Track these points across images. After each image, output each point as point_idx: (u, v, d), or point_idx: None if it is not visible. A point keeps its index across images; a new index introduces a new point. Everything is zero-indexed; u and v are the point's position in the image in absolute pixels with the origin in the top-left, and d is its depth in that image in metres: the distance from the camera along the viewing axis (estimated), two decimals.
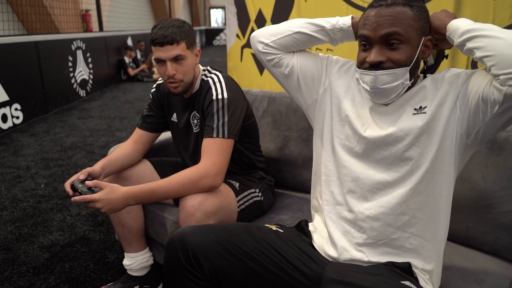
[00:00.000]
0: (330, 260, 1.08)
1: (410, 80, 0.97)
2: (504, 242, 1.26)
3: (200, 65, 1.57)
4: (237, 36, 2.72)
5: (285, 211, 1.63)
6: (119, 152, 1.60)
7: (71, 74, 5.96)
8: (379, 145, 1.04)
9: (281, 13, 2.41)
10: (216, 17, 24.24)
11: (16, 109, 4.51)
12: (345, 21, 1.11)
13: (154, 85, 1.70)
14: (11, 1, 5.83)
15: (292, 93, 1.23)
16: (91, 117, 5.10)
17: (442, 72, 1.03)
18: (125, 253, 1.66)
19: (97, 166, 1.46)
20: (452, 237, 1.37)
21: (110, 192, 1.25)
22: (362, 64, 0.99)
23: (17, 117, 4.54)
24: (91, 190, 1.27)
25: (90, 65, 6.68)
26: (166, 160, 1.78)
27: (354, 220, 1.05)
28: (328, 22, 1.13)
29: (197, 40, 16.67)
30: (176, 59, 1.41)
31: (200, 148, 1.46)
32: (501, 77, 0.83)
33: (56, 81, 5.48)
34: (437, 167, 0.99)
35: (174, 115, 1.63)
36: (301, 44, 1.17)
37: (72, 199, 1.25)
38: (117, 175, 1.58)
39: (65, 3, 7.10)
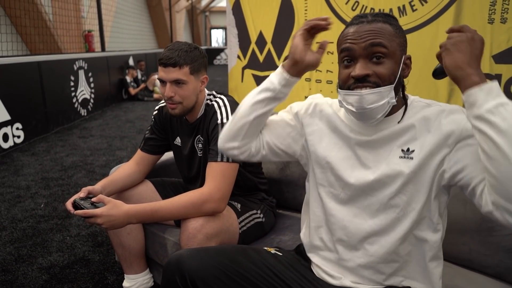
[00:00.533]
0: (329, 284, 1.07)
1: (395, 98, 0.92)
2: (507, 265, 1.25)
3: (206, 90, 1.58)
4: (238, 57, 2.76)
5: (286, 231, 1.63)
6: (121, 172, 1.60)
7: (73, 94, 6.01)
8: (365, 190, 0.99)
9: (282, 35, 2.45)
10: (216, 37, 24.58)
11: (17, 129, 4.53)
12: (279, 74, 1.03)
13: (156, 108, 1.71)
14: (15, 23, 5.92)
15: (282, 159, 1.18)
16: (91, 136, 5.12)
17: (437, 113, 0.94)
18: (125, 275, 1.64)
19: (98, 185, 1.47)
20: (455, 260, 1.37)
21: (112, 208, 1.26)
22: (345, 82, 0.94)
23: (18, 137, 4.55)
24: (93, 205, 1.28)
25: (92, 85, 6.73)
26: (167, 180, 1.78)
27: (346, 266, 1.03)
28: (268, 88, 1.04)
29: None
30: (177, 82, 1.42)
31: (203, 172, 1.46)
32: (495, 201, 0.78)
33: (58, 100, 5.52)
34: (424, 215, 0.97)
35: (178, 139, 1.64)
36: (262, 123, 1.10)
37: (75, 212, 1.26)
38: (118, 195, 1.59)
39: (69, 24, 7.21)
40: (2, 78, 4.34)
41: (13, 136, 4.46)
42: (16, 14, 5.77)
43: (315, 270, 1.10)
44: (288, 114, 1.15)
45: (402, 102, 0.98)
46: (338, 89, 0.97)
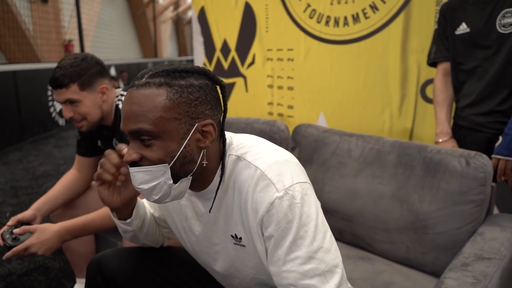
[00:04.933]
0: None
1: (175, 181, 0.77)
2: (442, 262, 1.28)
3: (118, 90, 1.52)
4: (204, 64, 2.79)
5: None
6: (62, 185, 1.55)
7: (50, 103, 5.98)
8: (228, 275, 0.96)
9: (244, 43, 2.49)
10: None
11: None
12: (118, 223, 0.99)
13: None
14: None
15: None
16: (67, 145, 5.08)
17: (260, 202, 0.76)
18: (76, 278, 1.64)
19: (30, 210, 1.41)
20: (395, 258, 1.41)
21: (41, 233, 1.21)
22: None
23: None
24: (17, 239, 1.22)
25: None
26: None
27: None
28: (126, 231, 1.00)
29: None
30: (69, 102, 1.36)
31: None
32: None
33: (34, 109, 5.48)
34: None
35: (99, 142, 1.62)
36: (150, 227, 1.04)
37: (4, 257, 1.20)
38: (64, 206, 1.55)
39: (49, 33, 7.21)
40: None
41: None
42: None
43: None
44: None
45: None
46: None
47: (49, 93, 5.92)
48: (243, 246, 0.85)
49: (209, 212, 0.86)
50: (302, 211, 0.74)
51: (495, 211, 1.62)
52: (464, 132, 1.57)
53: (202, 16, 2.69)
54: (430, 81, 1.85)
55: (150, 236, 1.04)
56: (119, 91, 1.52)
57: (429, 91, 1.88)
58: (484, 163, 1.25)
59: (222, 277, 1.00)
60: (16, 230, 1.24)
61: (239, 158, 0.82)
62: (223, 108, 0.83)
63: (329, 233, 0.77)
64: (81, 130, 1.42)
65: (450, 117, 1.64)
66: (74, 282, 1.96)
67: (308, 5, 2.17)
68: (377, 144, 1.48)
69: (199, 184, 0.84)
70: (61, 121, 6.34)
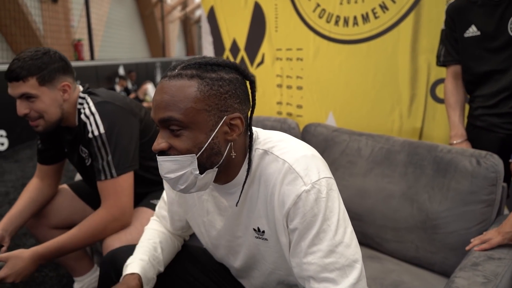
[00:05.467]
0: None
1: (201, 172, 0.79)
2: (451, 262, 1.28)
3: (80, 87, 1.39)
4: None
5: None
6: (25, 199, 1.47)
7: None
8: (246, 270, 0.99)
9: (254, 42, 2.50)
10: None
11: (1, 136, 4.54)
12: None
13: None
14: (4, 31, 5.96)
15: None
16: None
17: (287, 194, 0.78)
18: (73, 277, 1.65)
19: None
20: (404, 257, 1.41)
21: (14, 263, 1.17)
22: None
23: (2, 144, 4.56)
24: None
25: None
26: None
27: None
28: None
29: None
30: (26, 97, 1.24)
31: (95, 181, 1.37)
32: None
33: None
34: None
35: (66, 148, 1.51)
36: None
37: None
38: (35, 216, 1.51)
39: (58, 33, 7.27)
40: None
41: None
42: (6, 23, 5.81)
43: None
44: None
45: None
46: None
47: None
48: (265, 239, 0.86)
49: (236, 205, 0.87)
50: (326, 205, 0.76)
51: (505, 211, 1.61)
52: (478, 132, 1.56)
53: (211, 15, 2.70)
54: (440, 81, 1.84)
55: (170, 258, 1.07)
56: (80, 93, 1.38)
57: (439, 91, 1.87)
58: (495, 163, 1.24)
59: (240, 273, 1.01)
60: None
61: (266, 152, 0.83)
62: (251, 103, 0.84)
63: (350, 229, 0.79)
64: (36, 130, 1.29)
65: (464, 119, 1.63)
66: None
67: (318, 5, 2.17)
68: (387, 144, 1.48)
69: (224, 176, 0.85)
70: None
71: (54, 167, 1.53)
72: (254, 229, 0.87)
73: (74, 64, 6.65)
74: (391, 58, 1.98)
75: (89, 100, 1.34)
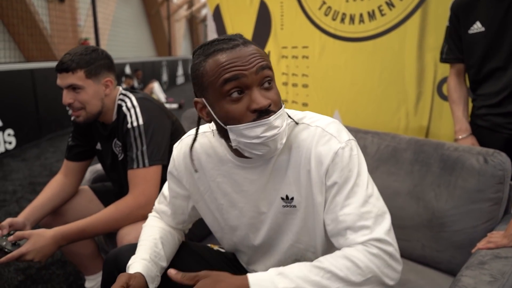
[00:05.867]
0: None
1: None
2: (458, 261, 1.27)
3: (120, 88, 1.50)
4: None
5: None
6: (47, 193, 1.51)
7: None
8: (265, 248, 1.00)
9: (259, 40, 2.50)
10: None
11: (9, 135, 4.58)
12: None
13: None
14: (11, 31, 6.02)
15: None
16: None
17: (324, 153, 0.83)
18: (85, 276, 1.66)
19: (21, 217, 1.39)
20: (410, 256, 1.40)
21: (37, 240, 1.18)
22: (242, 119, 0.79)
23: (10, 143, 4.60)
24: (16, 244, 1.19)
25: None
26: (108, 185, 1.73)
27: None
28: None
29: None
30: (72, 87, 1.34)
31: (124, 175, 1.42)
32: None
33: (51, 107, 5.56)
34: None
35: (98, 144, 1.58)
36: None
37: None
38: (52, 214, 1.53)
39: (65, 32, 7.33)
40: None
41: (5, 142, 4.51)
42: (14, 22, 5.87)
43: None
44: (171, 192, 1.08)
45: None
46: (229, 128, 0.80)
47: None
48: (294, 206, 0.89)
49: (269, 174, 0.89)
50: (359, 162, 0.85)
51: None
52: (481, 132, 1.54)
53: (217, 14, 2.70)
54: (447, 79, 1.83)
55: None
56: (122, 91, 1.49)
57: (445, 89, 1.86)
58: (502, 160, 1.23)
59: (256, 255, 1.01)
60: (10, 238, 1.20)
61: (296, 123, 0.89)
62: None
63: (375, 186, 0.87)
64: (77, 121, 1.39)
65: (468, 114, 1.62)
66: None
67: (324, 2, 2.16)
68: (393, 141, 1.47)
69: None
70: None
71: (80, 165, 1.59)
72: (282, 198, 0.90)
73: None
74: (397, 56, 1.97)
75: (131, 95, 1.45)
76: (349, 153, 0.83)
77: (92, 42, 7.79)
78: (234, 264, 1.11)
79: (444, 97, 1.87)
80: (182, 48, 17.00)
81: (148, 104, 1.43)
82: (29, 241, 1.18)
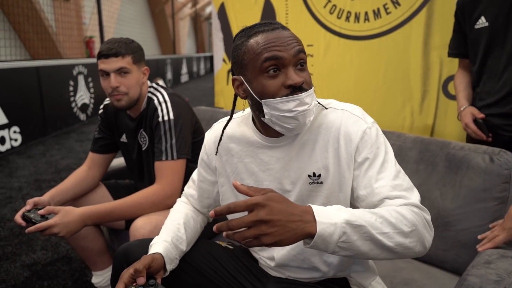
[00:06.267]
0: (273, 276, 1.09)
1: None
2: (463, 260, 1.27)
3: (148, 82, 1.57)
4: (224, 60, 2.81)
5: None
6: (72, 180, 1.57)
7: (72, 98, 6.09)
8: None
9: None
10: None
11: (15, 132, 4.60)
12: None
13: (102, 106, 1.69)
14: (17, 28, 6.04)
15: None
16: (88, 140, 5.18)
17: (353, 132, 0.90)
18: (92, 272, 1.67)
19: (46, 196, 1.44)
20: None
21: (65, 215, 1.24)
22: (276, 94, 0.86)
23: (16, 140, 4.62)
24: (44, 217, 1.24)
25: (92, 90, 6.81)
26: (121, 183, 1.78)
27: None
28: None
29: (202, 66, 17.00)
30: (120, 71, 1.42)
31: (149, 166, 1.49)
32: None
33: (56, 105, 5.59)
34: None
35: (124, 136, 1.64)
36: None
37: (26, 230, 1.21)
38: (71, 203, 1.57)
39: (70, 30, 7.34)
40: (0, 83, 4.43)
41: (10, 139, 4.53)
42: (19, 20, 5.89)
43: (260, 263, 1.13)
44: (200, 176, 1.14)
45: None
46: (264, 102, 0.87)
47: (71, 88, 6.04)
48: (320, 183, 0.94)
49: (290, 154, 0.95)
50: (385, 141, 0.92)
51: None
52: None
53: (222, 12, 2.70)
54: (452, 78, 1.82)
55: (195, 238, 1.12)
56: (149, 83, 1.57)
57: (451, 88, 1.85)
58: (508, 159, 1.23)
59: None
60: (41, 211, 1.25)
61: (323, 107, 0.95)
62: None
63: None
64: (119, 105, 1.45)
65: (470, 98, 1.59)
66: None
67: (329, 1, 2.16)
68: (398, 140, 1.47)
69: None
70: (82, 116, 6.46)
71: (103, 158, 1.66)
72: (309, 175, 0.94)
73: (85, 61, 6.69)
74: (403, 54, 1.96)
75: (162, 90, 1.54)
76: (376, 132, 0.90)
77: (97, 40, 7.81)
78: (243, 262, 1.11)
79: (450, 96, 1.86)
80: (187, 46, 17.01)
81: (178, 100, 1.51)
82: (57, 215, 1.24)
